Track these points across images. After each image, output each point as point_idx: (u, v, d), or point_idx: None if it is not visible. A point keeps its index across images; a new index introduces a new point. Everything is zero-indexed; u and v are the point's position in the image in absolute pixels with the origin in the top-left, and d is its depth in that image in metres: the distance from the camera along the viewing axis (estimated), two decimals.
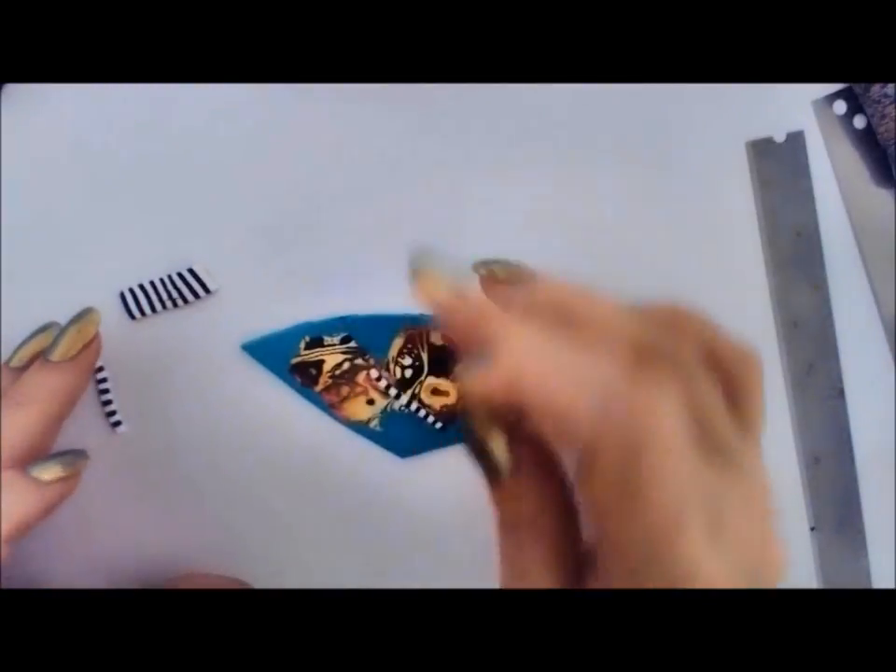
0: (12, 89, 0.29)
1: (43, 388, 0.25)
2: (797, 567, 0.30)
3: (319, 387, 0.29)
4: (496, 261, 0.22)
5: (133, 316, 0.29)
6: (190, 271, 0.29)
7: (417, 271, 0.21)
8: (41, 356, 0.25)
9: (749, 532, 0.18)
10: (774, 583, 0.19)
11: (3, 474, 0.23)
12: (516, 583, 0.22)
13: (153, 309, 0.29)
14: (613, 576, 0.19)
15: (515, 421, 0.20)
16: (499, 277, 0.21)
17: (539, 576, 0.21)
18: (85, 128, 0.29)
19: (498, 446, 0.21)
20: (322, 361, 0.28)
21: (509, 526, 0.21)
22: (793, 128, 0.30)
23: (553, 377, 0.18)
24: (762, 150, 0.30)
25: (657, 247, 0.30)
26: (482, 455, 0.21)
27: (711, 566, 0.18)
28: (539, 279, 0.21)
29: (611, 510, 0.18)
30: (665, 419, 0.17)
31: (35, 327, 0.29)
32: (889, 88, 0.29)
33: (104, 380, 0.29)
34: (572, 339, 0.19)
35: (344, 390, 0.29)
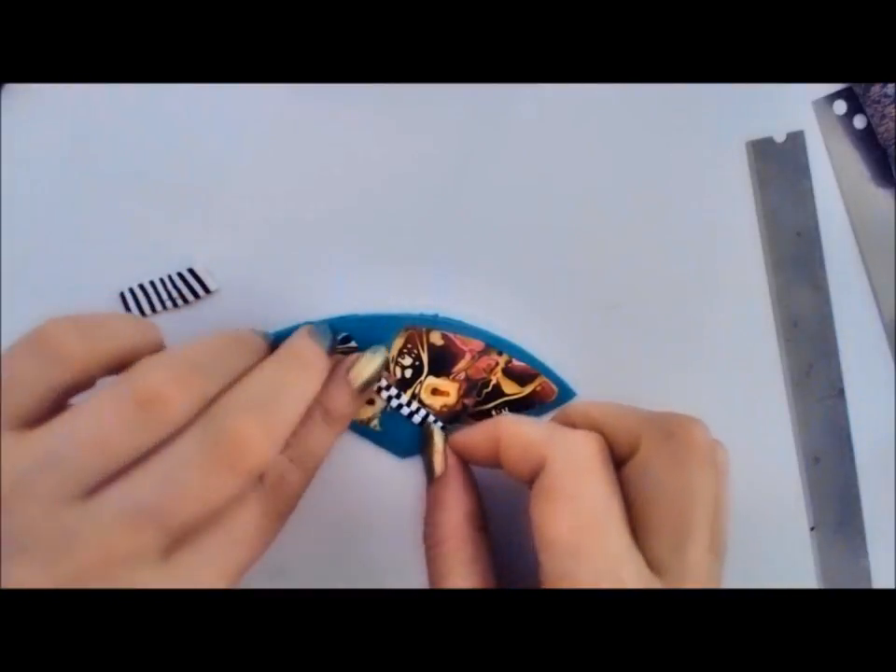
0: (12, 89, 0.29)
1: (349, 412, 0.27)
2: (797, 567, 0.30)
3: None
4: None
5: None
6: (190, 271, 0.29)
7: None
8: (344, 376, 0.26)
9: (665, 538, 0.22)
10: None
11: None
12: (438, 583, 0.25)
13: (153, 309, 0.29)
14: (544, 570, 0.22)
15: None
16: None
17: (459, 577, 0.24)
18: (85, 128, 0.29)
19: (437, 454, 0.27)
20: None
21: (431, 528, 0.26)
22: (793, 128, 0.30)
23: (521, 421, 0.25)
24: (762, 150, 0.30)
25: (657, 247, 0.30)
26: (424, 455, 0.28)
27: (632, 565, 0.21)
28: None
29: (547, 511, 0.22)
30: (590, 446, 0.23)
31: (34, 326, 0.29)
32: (889, 88, 0.29)
33: None
34: None
35: None
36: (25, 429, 0.20)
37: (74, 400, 0.22)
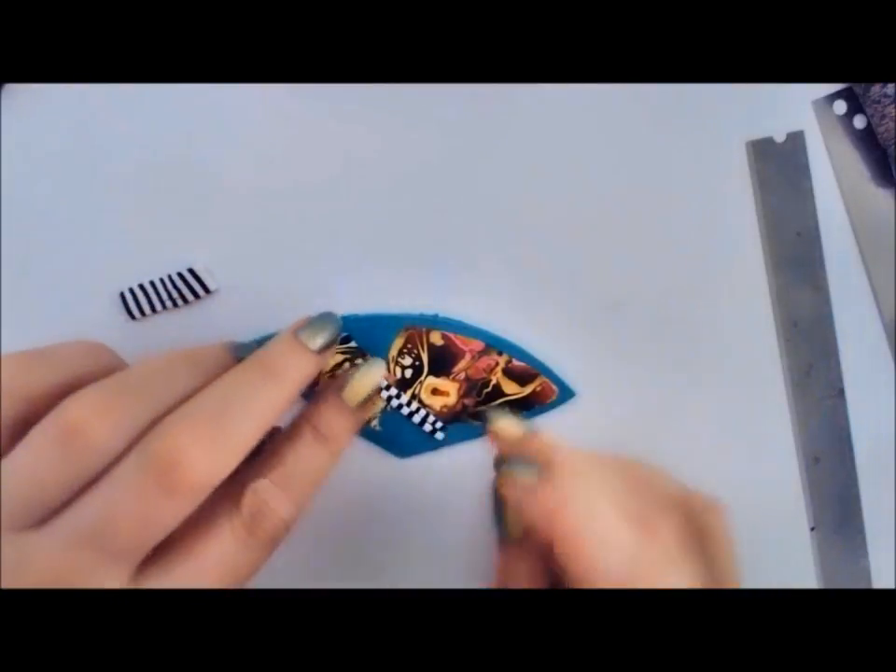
0: (12, 89, 0.29)
1: (344, 430, 0.24)
2: (797, 567, 0.30)
3: (319, 388, 0.29)
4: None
5: (133, 316, 0.29)
6: (190, 271, 0.29)
7: (495, 417, 0.25)
8: (336, 394, 0.24)
9: None
10: None
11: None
12: None
13: (153, 309, 0.29)
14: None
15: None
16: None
17: None
18: (85, 128, 0.29)
19: (515, 517, 0.24)
20: None
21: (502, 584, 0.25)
22: (793, 128, 0.30)
23: (585, 524, 0.22)
24: (762, 150, 0.30)
25: (657, 248, 0.30)
26: (499, 517, 0.25)
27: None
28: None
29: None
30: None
31: (34, 327, 0.29)
32: (889, 88, 0.29)
33: None
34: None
35: None
36: None
37: None
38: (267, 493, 0.22)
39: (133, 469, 0.20)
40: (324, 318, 0.24)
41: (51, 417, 0.20)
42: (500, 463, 0.24)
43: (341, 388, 0.24)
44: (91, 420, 0.20)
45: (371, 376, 0.24)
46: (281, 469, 0.22)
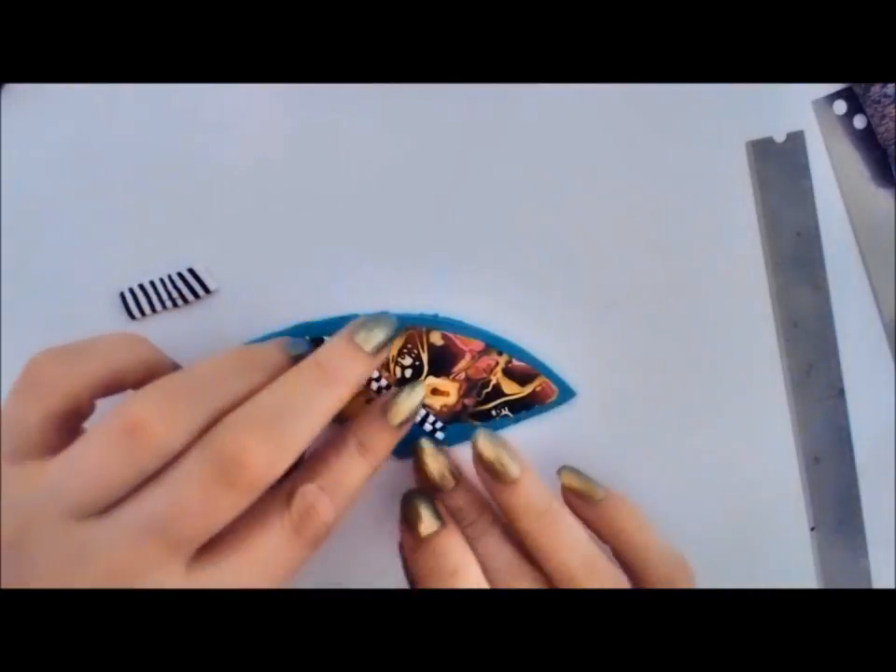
0: (12, 89, 0.29)
1: (384, 446, 0.26)
2: (797, 567, 0.30)
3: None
4: (580, 476, 0.27)
5: (133, 316, 0.29)
6: (190, 271, 0.29)
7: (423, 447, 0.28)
8: (380, 412, 0.26)
9: None
10: None
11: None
12: None
13: (153, 309, 0.29)
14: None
15: None
16: (576, 489, 0.27)
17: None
18: (85, 128, 0.29)
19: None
20: None
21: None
22: (793, 128, 0.30)
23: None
24: (762, 150, 0.30)
25: (657, 247, 0.30)
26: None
27: None
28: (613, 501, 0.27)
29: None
30: None
31: (34, 327, 0.29)
32: (889, 88, 0.29)
33: None
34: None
35: None
36: (37, 459, 0.21)
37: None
38: (314, 496, 0.23)
39: (196, 464, 0.21)
40: (379, 320, 0.25)
41: (114, 414, 0.21)
42: (414, 495, 0.27)
43: (384, 407, 0.26)
44: (154, 419, 0.21)
45: (413, 398, 0.26)
46: (327, 475, 0.24)
